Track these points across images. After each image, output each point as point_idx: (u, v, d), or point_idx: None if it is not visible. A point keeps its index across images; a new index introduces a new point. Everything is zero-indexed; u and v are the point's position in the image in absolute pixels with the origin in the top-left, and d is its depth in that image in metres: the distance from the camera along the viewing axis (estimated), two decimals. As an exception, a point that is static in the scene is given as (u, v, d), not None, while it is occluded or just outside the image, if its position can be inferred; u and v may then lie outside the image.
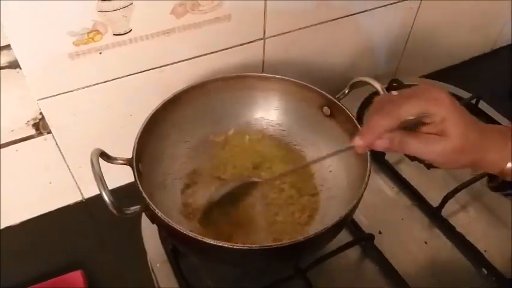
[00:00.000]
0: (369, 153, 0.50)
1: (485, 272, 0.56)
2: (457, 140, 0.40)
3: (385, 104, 0.40)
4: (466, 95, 0.79)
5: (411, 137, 0.41)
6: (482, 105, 0.78)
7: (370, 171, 0.48)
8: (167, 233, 0.50)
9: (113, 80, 0.57)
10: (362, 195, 0.47)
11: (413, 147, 0.41)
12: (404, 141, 0.41)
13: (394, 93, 0.48)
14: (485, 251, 0.57)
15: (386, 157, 0.69)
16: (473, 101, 0.77)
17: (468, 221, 0.62)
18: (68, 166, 0.64)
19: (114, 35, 0.53)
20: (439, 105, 0.39)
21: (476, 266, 0.56)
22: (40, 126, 0.58)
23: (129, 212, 0.44)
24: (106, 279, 0.62)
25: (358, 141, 0.41)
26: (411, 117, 0.39)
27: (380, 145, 0.41)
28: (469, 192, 0.63)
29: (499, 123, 0.75)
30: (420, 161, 0.70)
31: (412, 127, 0.41)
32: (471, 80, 0.92)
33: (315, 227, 0.54)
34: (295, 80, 0.59)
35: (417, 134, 0.41)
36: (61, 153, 0.61)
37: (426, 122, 0.40)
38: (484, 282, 0.55)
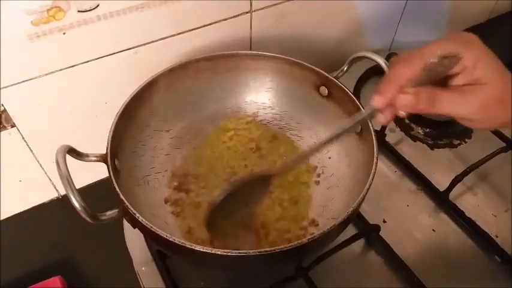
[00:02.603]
0: (374, 137, 0.45)
1: (499, 259, 0.52)
2: (498, 86, 0.34)
3: (405, 55, 0.35)
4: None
5: (442, 90, 0.34)
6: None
7: (377, 158, 0.44)
8: (151, 239, 0.44)
9: (81, 64, 0.51)
10: (370, 186, 0.42)
11: (446, 102, 0.34)
12: (434, 96, 0.34)
13: None
14: (496, 236, 0.54)
15: (387, 138, 0.65)
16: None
17: (476, 204, 0.58)
18: (38, 161, 0.58)
19: (78, 11, 0.47)
20: (471, 47, 0.34)
21: (488, 253, 0.53)
22: (2, 119, 0.52)
23: (105, 217, 0.39)
24: (87, 283, 0.58)
25: (378, 100, 0.35)
26: (436, 60, 0.33)
27: (404, 102, 0.34)
28: (476, 172, 0.59)
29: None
30: (423, 141, 0.65)
31: (440, 83, 0.35)
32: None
33: (317, 221, 0.49)
34: (288, 58, 0.54)
35: (448, 87, 0.35)
36: (29, 147, 0.56)
37: (455, 73, 0.35)
38: (498, 271, 0.51)
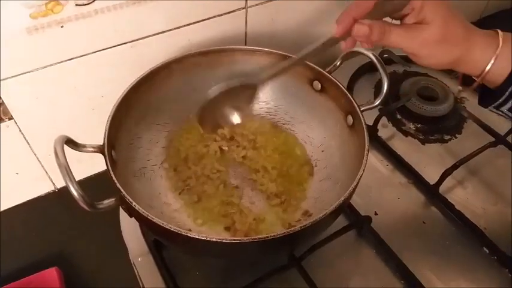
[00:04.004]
0: (365, 130, 0.46)
1: (487, 251, 0.53)
2: (439, 27, 0.39)
3: None
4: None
5: (393, 25, 0.39)
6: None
7: (368, 151, 0.45)
8: (148, 228, 0.45)
9: (79, 57, 0.52)
10: (361, 177, 0.43)
11: (395, 36, 0.39)
12: (385, 30, 0.39)
13: None
14: (485, 228, 0.55)
15: (380, 133, 0.66)
16: (467, 71, 0.74)
17: (466, 197, 0.59)
18: (35, 154, 0.58)
19: (76, 5, 0.48)
20: None
21: (477, 245, 0.54)
22: (0, 112, 0.52)
23: (102, 206, 0.39)
24: (84, 275, 0.58)
25: (336, 29, 0.40)
26: None
27: (360, 31, 0.39)
28: (466, 167, 0.60)
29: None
30: (414, 136, 0.66)
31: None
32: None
33: (310, 212, 0.50)
34: (281, 53, 0.55)
35: (399, 24, 0.40)
36: (26, 140, 0.56)
37: (407, 13, 0.40)
38: (486, 262, 0.53)
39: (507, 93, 0.41)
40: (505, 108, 0.43)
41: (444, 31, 0.39)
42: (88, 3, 0.48)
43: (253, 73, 0.44)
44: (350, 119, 0.51)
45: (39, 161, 0.59)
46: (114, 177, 0.41)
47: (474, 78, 0.43)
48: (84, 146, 0.43)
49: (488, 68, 0.41)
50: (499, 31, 0.42)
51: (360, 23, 0.39)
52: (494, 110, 0.45)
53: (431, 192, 0.59)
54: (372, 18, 0.39)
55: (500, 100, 0.43)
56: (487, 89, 0.44)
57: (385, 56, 0.74)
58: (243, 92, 0.45)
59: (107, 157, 0.43)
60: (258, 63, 0.57)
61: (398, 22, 0.43)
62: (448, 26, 0.39)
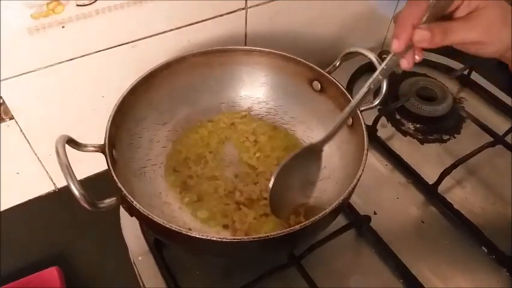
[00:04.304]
0: (365, 130, 0.47)
1: (485, 250, 0.53)
2: (498, 6, 0.38)
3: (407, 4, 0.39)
4: (458, 66, 0.77)
5: (451, 22, 0.39)
6: (475, 76, 0.75)
7: (367, 150, 0.45)
8: (148, 227, 0.45)
9: (80, 57, 0.52)
10: (360, 176, 0.43)
11: (456, 30, 0.38)
12: (445, 27, 0.38)
13: None
14: (483, 228, 0.55)
15: (379, 133, 0.66)
16: (466, 72, 0.75)
17: (464, 197, 0.60)
18: (36, 154, 0.59)
19: (77, 5, 0.48)
20: None
21: (475, 244, 0.54)
22: (1, 111, 0.52)
23: (103, 205, 0.39)
24: (84, 274, 0.58)
25: (396, 43, 0.38)
26: None
27: (421, 36, 0.38)
28: (465, 166, 0.61)
29: (493, 94, 0.73)
30: (413, 136, 0.67)
31: (447, 20, 0.39)
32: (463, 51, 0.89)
33: (310, 212, 0.50)
34: (281, 53, 0.55)
35: (454, 19, 0.39)
36: (27, 140, 0.56)
37: (456, 7, 0.39)
38: (485, 261, 0.53)
39: None
40: None
41: (504, 10, 0.38)
42: (89, 4, 0.48)
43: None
44: (349, 119, 0.51)
45: (40, 161, 0.59)
46: (115, 177, 0.41)
47: None
48: (85, 145, 0.43)
49: None
50: None
51: (419, 28, 0.38)
52: None
53: (430, 192, 0.59)
54: (426, 23, 0.38)
55: None
56: None
57: (384, 56, 0.74)
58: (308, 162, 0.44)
59: (108, 156, 0.43)
60: (257, 63, 0.57)
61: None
62: (504, 5, 0.39)
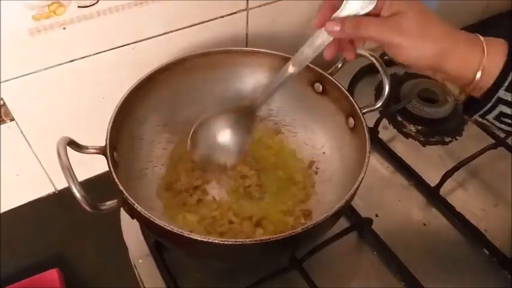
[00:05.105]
0: (367, 132, 0.46)
1: (487, 252, 0.53)
2: (417, 13, 0.38)
3: None
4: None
5: (370, 18, 0.40)
6: (476, 78, 0.75)
7: (369, 152, 0.45)
8: (149, 229, 0.45)
9: (80, 58, 0.52)
10: (362, 179, 0.43)
11: (374, 27, 0.39)
12: (358, 22, 0.39)
13: None
14: (485, 230, 0.55)
15: (380, 135, 0.66)
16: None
17: (467, 199, 0.59)
18: (36, 156, 0.58)
19: (78, 7, 0.48)
20: None
21: (477, 246, 0.54)
22: (1, 113, 0.52)
23: (104, 207, 0.39)
24: (84, 276, 0.58)
25: (314, 22, 0.42)
26: None
27: (331, 27, 0.40)
28: (467, 169, 0.60)
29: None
30: (415, 138, 0.67)
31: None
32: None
33: (311, 214, 0.50)
34: (283, 54, 0.55)
35: (377, 17, 0.40)
36: (27, 142, 0.56)
37: (380, 8, 0.40)
38: (486, 263, 0.53)
39: (493, 99, 0.39)
40: (491, 117, 0.41)
41: (423, 19, 0.39)
42: (91, 5, 0.48)
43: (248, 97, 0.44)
44: (351, 121, 0.51)
45: (40, 163, 0.59)
46: (116, 179, 0.41)
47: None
48: (86, 147, 0.43)
49: (482, 65, 0.38)
50: (479, 35, 0.41)
51: (332, 19, 0.40)
52: (479, 119, 0.42)
53: (432, 194, 0.59)
54: None
55: (486, 108, 0.40)
56: (471, 98, 0.42)
57: (385, 57, 0.74)
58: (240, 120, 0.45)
59: (109, 158, 0.43)
60: (259, 65, 0.57)
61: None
62: (425, 16, 0.39)
